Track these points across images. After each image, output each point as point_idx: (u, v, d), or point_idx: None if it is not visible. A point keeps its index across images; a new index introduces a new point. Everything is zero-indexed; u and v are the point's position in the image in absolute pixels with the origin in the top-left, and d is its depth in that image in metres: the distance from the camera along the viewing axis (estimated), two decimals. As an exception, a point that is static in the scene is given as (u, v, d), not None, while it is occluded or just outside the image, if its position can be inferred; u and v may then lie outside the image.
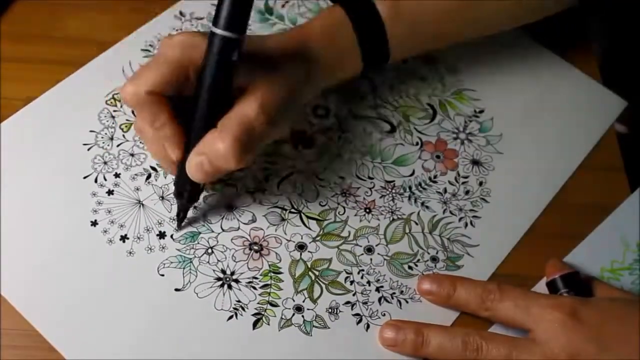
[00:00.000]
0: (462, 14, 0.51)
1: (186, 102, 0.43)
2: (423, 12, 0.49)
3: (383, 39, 0.49)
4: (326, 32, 0.48)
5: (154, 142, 0.44)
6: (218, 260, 0.47)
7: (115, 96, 0.52)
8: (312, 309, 0.46)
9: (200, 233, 0.48)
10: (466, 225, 0.50)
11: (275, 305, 0.46)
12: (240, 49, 0.41)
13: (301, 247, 0.48)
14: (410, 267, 0.48)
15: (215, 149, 0.41)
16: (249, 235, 0.48)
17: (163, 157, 0.45)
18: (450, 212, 0.51)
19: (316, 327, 0.45)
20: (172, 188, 0.49)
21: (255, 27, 0.58)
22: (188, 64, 0.42)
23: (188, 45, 0.43)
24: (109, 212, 0.48)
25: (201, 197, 0.48)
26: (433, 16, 0.50)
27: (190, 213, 0.48)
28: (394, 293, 0.47)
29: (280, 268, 0.47)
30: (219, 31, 0.40)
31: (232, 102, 0.43)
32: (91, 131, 0.51)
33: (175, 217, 0.47)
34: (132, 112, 0.51)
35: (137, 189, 0.49)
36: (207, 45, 0.41)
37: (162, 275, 0.46)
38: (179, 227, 0.47)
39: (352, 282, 0.47)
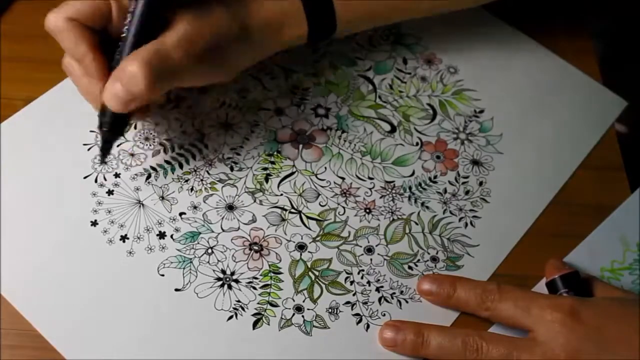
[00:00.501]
0: None
1: (115, 41, 0.44)
2: None
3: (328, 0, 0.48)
4: None
5: (80, 78, 0.45)
6: (218, 261, 0.47)
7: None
8: (312, 309, 0.46)
9: (200, 233, 0.48)
10: (466, 225, 0.50)
11: (275, 305, 0.46)
12: None
13: (301, 247, 0.48)
14: (410, 267, 0.48)
15: (126, 71, 0.42)
16: (249, 235, 0.48)
17: (88, 92, 0.45)
18: (451, 212, 0.51)
19: (316, 327, 0.45)
20: (172, 188, 0.49)
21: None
22: None
23: None
24: (109, 212, 0.48)
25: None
26: None
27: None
28: (394, 293, 0.47)
29: (280, 268, 0.47)
30: None
31: (156, 35, 0.43)
32: (91, 131, 0.51)
33: (100, 151, 0.47)
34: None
35: (137, 189, 0.49)
36: None
37: (162, 275, 0.46)
38: (103, 161, 0.48)
39: (352, 282, 0.47)
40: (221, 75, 0.48)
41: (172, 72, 0.43)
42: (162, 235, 0.47)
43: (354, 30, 0.53)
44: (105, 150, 0.46)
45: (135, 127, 0.51)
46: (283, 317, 0.45)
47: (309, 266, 0.47)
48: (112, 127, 0.45)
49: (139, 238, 0.47)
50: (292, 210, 0.49)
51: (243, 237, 0.48)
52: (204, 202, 0.49)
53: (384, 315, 0.46)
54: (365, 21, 0.52)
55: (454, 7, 0.54)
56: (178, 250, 0.47)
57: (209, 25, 0.44)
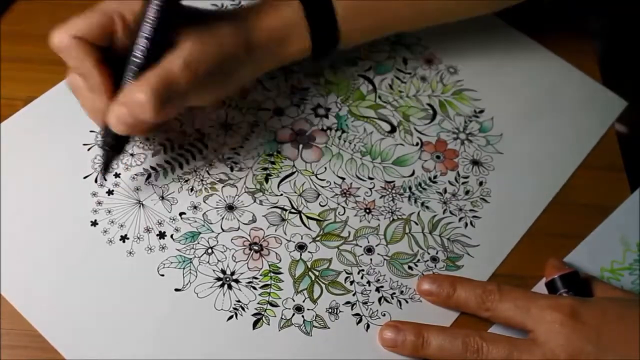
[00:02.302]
0: None
1: (121, 59, 0.44)
2: None
3: (332, 16, 0.48)
4: (269, 2, 0.47)
5: (85, 96, 0.45)
6: (218, 261, 0.47)
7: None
8: (312, 309, 0.46)
9: (200, 233, 0.48)
10: (466, 225, 0.50)
11: (275, 305, 0.46)
12: (176, 2, 0.42)
13: (301, 247, 0.48)
14: (410, 267, 0.48)
15: (134, 98, 0.42)
16: (249, 235, 0.48)
17: (92, 109, 0.45)
18: (450, 212, 0.51)
19: (316, 327, 0.45)
20: (172, 188, 0.49)
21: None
22: (116, 14, 0.43)
23: (121, 1, 0.44)
24: (109, 212, 0.48)
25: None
26: None
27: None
28: (394, 293, 0.47)
29: (280, 268, 0.47)
30: None
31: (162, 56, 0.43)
32: (91, 131, 0.51)
33: (101, 169, 0.47)
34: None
35: (137, 189, 0.49)
36: None
37: (162, 275, 0.46)
38: (103, 178, 0.48)
39: (352, 282, 0.47)
40: (225, 91, 0.48)
41: (179, 96, 0.43)
42: (162, 235, 0.47)
43: (358, 43, 0.53)
44: (106, 168, 0.47)
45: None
46: (283, 317, 0.45)
47: (309, 266, 0.47)
48: (114, 146, 0.46)
49: (139, 238, 0.47)
50: (292, 210, 0.49)
51: (243, 237, 0.48)
52: (204, 202, 0.49)
53: (384, 315, 0.46)
54: (368, 34, 0.52)
55: (456, 17, 0.54)
56: (178, 250, 0.47)
57: (214, 44, 0.44)
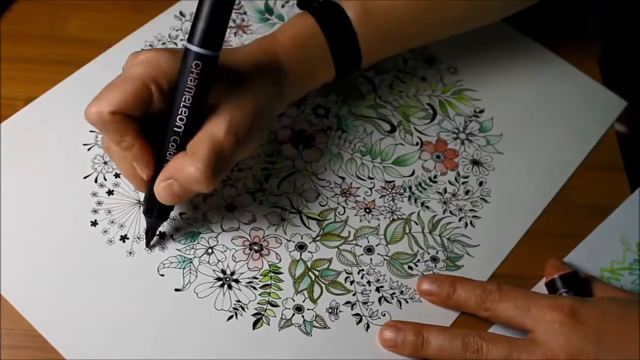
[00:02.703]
0: (431, 15, 0.50)
1: (154, 119, 0.42)
2: (393, 16, 0.49)
3: (355, 46, 0.48)
4: (297, 43, 0.47)
5: (122, 161, 0.44)
6: (218, 260, 0.47)
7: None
8: (312, 309, 0.46)
9: (200, 233, 0.48)
10: (466, 225, 0.50)
11: (275, 305, 0.46)
12: (215, 67, 0.41)
13: (301, 247, 0.48)
14: (410, 267, 0.48)
15: (186, 173, 0.40)
16: (249, 235, 0.48)
17: (133, 176, 0.44)
18: (450, 212, 0.51)
19: (316, 327, 0.45)
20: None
21: (255, 27, 0.58)
22: (152, 82, 0.41)
23: (152, 64, 0.41)
24: (109, 212, 0.48)
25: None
26: (403, 19, 0.49)
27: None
28: (394, 293, 0.47)
29: (280, 268, 0.47)
30: (194, 48, 0.39)
31: (203, 121, 0.42)
32: (91, 131, 0.51)
33: (144, 235, 0.46)
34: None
35: (137, 189, 0.49)
36: (181, 62, 0.40)
37: (162, 275, 0.46)
38: (148, 245, 0.46)
39: (352, 282, 0.47)
40: (263, 138, 0.48)
41: (229, 163, 0.42)
42: (162, 235, 0.47)
43: (373, 63, 0.53)
44: (150, 236, 0.46)
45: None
46: (283, 317, 0.45)
47: (309, 266, 0.47)
48: (160, 215, 0.45)
49: (139, 238, 0.47)
50: (292, 210, 0.49)
51: (243, 237, 0.48)
52: (204, 202, 0.49)
53: (384, 315, 0.46)
54: (389, 54, 0.53)
55: (465, 29, 0.54)
56: (178, 250, 0.47)
57: (252, 102, 0.43)
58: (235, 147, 0.42)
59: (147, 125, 0.42)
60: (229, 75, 0.43)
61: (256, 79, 0.44)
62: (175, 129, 0.41)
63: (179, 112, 0.41)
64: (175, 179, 0.41)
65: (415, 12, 0.49)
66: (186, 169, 0.40)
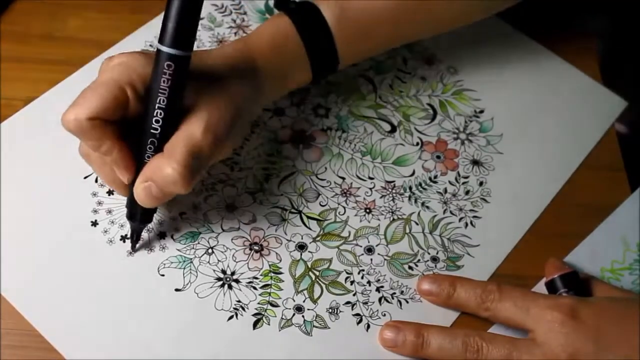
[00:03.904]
0: (409, 15, 0.50)
1: (132, 123, 0.42)
2: (370, 16, 0.49)
3: (331, 46, 0.48)
4: (273, 43, 0.47)
5: (102, 166, 0.43)
6: (218, 261, 0.47)
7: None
8: (312, 309, 0.46)
9: (200, 233, 0.48)
10: (466, 225, 0.50)
11: (276, 306, 0.46)
12: (187, 67, 0.40)
13: (301, 247, 0.48)
14: (410, 267, 0.48)
15: (164, 174, 0.40)
16: (249, 235, 0.48)
17: (113, 181, 0.44)
18: (451, 212, 0.51)
19: (316, 327, 0.45)
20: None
21: (255, 27, 0.57)
22: (127, 85, 0.41)
23: (127, 67, 0.41)
24: (109, 212, 0.48)
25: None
26: (380, 19, 0.49)
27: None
28: (394, 293, 0.47)
29: (280, 268, 0.47)
30: (165, 49, 0.39)
31: (179, 122, 0.41)
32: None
33: (129, 238, 0.46)
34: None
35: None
36: (154, 63, 0.40)
37: (162, 275, 0.46)
38: (133, 249, 0.46)
39: (352, 282, 0.47)
40: (242, 138, 0.48)
41: (206, 162, 0.42)
42: (162, 235, 0.47)
43: (354, 63, 0.53)
44: (136, 239, 0.46)
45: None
46: (283, 317, 0.45)
47: (309, 266, 0.47)
48: (143, 218, 0.45)
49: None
50: (293, 210, 0.49)
51: (243, 237, 0.48)
52: (204, 202, 0.49)
53: (384, 315, 0.46)
54: (367, 55, 0.53)
55: (449, 28, 0.54)
56: (178, 250, 0.47)
57: (229, 102, 0.43)
58: (213, 147, 0.41)
59: (125, 129, 0.42)
60: (205, 76, 0.43)
61: (232, 79, 0.44)
62: (152, 131, 0.41)
63: (155, 114, 0.41)
64: (153, 181, 0.41)
65: (392, 12, 0.49)
66: (163, 170, 0.40)
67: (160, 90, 0.40)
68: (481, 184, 0.52)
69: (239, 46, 0.46)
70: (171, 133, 0.41)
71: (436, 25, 0.52)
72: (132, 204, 0.44)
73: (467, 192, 0.52)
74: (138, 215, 0.44)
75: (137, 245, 0.46)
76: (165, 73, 0.40)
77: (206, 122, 0.41)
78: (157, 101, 0.40)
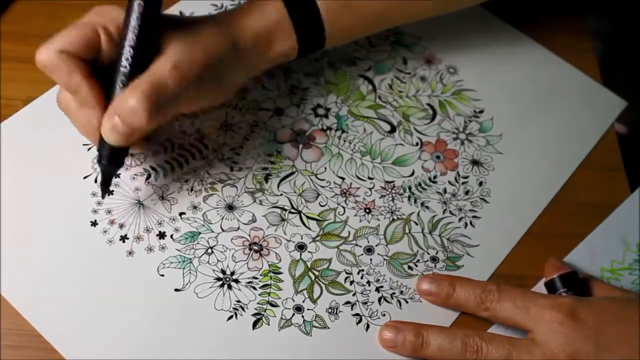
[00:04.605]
0: None
1: (109, 70, 0.44)
2: None
3: (317, 15, 0.48)
4: (254, 8, 0.47)
5: (77, 115, 0.44)
6: (218, 261, 0.47)
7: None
8: (312, 309, 0.46)
9: (200, 233, 0.48)
10: (466, 225, 0.50)
11: (275, 306, 0.46)
12: (158, 7, 0.43)
13: (301, 247, 0.48)
14: (410, 267, 0.48)
15: (126, 105, 0.42)
16: (249, 235, 0.48)
17: (85, 124, 0.45)
18: (450, 212, 0.51)
19: (316, 327, 0.45)
20: (172, 188, 0.49)
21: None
22: (100, 27, 0.43)
23: (101, 12, 0.44)
24: (109, 212, 0.48)
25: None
26: None
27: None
28: (394, 293, 0.47)
29: (280, 268, 0.47)
30: None
31: (149, 62, 0.43)
32: (91, 131, 0.51)
33: (101, 185, 0.46)
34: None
35: (137, 189, 0.49)
36: (127, 4, 0.42)
37: (162, 275, 0.46)
38: (103, 195, 0.47)
39: (352, 282, 0.47)
40: (217, 97, 0.48)
41: (171, 101, 0.43)
42: (162, 235, 0.47)
43: (346, 41, 0.53)
44: (105, 184, 0.46)
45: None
46: (283, 317, 0.45)
47: (309, 266, 0.47)
48: (112, 160, 0.45)
49: (138, 238, 0.47)
50: (292, 210, 0.49)
51: (243, 237, 0.48)
52: (204, 202, 0.49)
53: (384, 315, 0.46)
54: (355, 32, 0.52)
55: (445, 10, 0.53)
56: (178, 250, 0.47)
57: (200, 46, 0.44)
58: (178, 84, 0.43)
59: (102, 76, 0.43)
60: (182, 24, 0.44)
61: (207, 29, 0.45)
62: (122, 69, 0.43)
63: (125, 52, 0.42)
64: (118, 114, 0.42)
65: None
66: (126, 101, 0.42)
67: (131, 29, 0.42)
68: (481, 184, 0.52)
69: (221, 12, 0.48)
70: (141, 72, 0.42)
71: (427, 6, 0.52)
72: (101, 144, 0.44)
73: (466, 192, 0.52)
74: (106, 156, 0.44)
75: (106, 194, 0.47)
76: (136, 12, 0.42)
77: (174, 60, 0.43)
78: (128, 39, 0.42)
